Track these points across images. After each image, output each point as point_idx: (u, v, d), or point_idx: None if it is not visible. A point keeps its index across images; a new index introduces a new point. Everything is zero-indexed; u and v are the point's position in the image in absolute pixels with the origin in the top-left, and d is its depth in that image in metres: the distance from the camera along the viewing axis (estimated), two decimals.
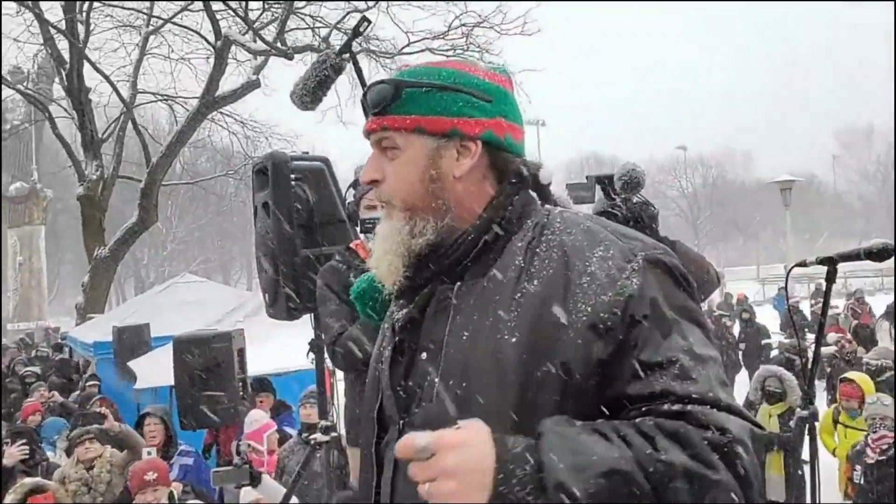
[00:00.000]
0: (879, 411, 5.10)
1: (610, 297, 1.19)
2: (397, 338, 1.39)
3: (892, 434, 4.99)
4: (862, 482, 5.04)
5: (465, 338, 1.27)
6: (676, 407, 1.14)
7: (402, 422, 1.33)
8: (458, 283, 1.32)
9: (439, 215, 1.33)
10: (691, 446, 1.10)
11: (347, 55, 3.24)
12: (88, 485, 5.13)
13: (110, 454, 5.34)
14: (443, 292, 1.34)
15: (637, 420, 1.14)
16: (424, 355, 1.32)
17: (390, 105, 1.33)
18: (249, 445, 4.90)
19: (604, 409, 1.19)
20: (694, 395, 1.14)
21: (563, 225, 1.31)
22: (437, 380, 1.27)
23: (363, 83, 3.52)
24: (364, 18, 3.36)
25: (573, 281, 1.22)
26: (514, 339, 1.22)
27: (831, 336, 10.11)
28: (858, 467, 5.06)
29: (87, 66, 15.11)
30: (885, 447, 4.97)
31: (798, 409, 3.07)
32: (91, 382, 8.87)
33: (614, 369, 1.18)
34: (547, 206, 1.39)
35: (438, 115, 1.31)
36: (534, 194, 1.40)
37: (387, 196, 1.36)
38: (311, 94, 3.13)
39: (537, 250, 1.28)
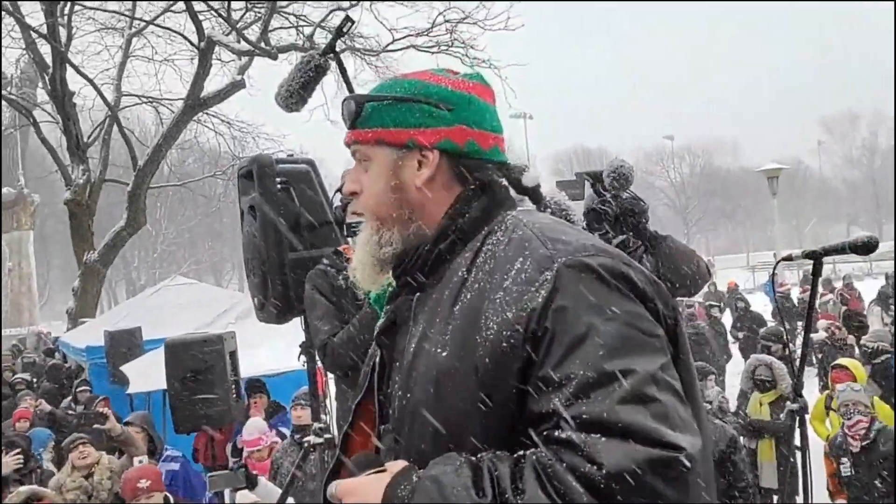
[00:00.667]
0: (850, 397, 5.06)
1: (514, 313, 1.16)
2: (376, 345, 1.44)
3: (867, 419, 4.96)
4: (852, 472, 5.01)
5: (412, 349, 1.29)
6: (565, 435, 1.08)
7: (381, 427, 1.38)
8: (418, 294, 1.35)
9: (404, 225, 1.36)
10: (556, 486, 1.05)
11: (331, 55, 3.23)
12: (88, 493, 5.10)
13: (108, 460, 5.31)
14: (405, 302, 1.38)
15: (525, 453, 1.12)
16: (397, 364, 1.35)
17: (356, 120, 1.38)
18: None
19: (525, 428, 1.16)
20: (584, 417, 1.08)
21: (502, 233, 1.29)
22: (399, 389, 1.31)
23: (347, 83, 3.52)
24: (347, 18, 3.35)
25: (489, 297, 1.21)
26: (444, 354, 1.23)
27: (821, 323, 10.16)
28: (845, 460, 5.00)
29: (70, 70, 15.01)
30: (862, 432, 4.95)
31: (788, 403, 3.09)
32: (81, 388, 8.82)
33: (523, 387, 1.15)
34: (510, 211, 1.36)
35: (397, 126, 1.34)
36: (513, 196, 1.41)
37: (361, 207, 1.41)
38: (295, 95, 3.11)
39: (478, 261, 1.28)
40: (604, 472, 1.04)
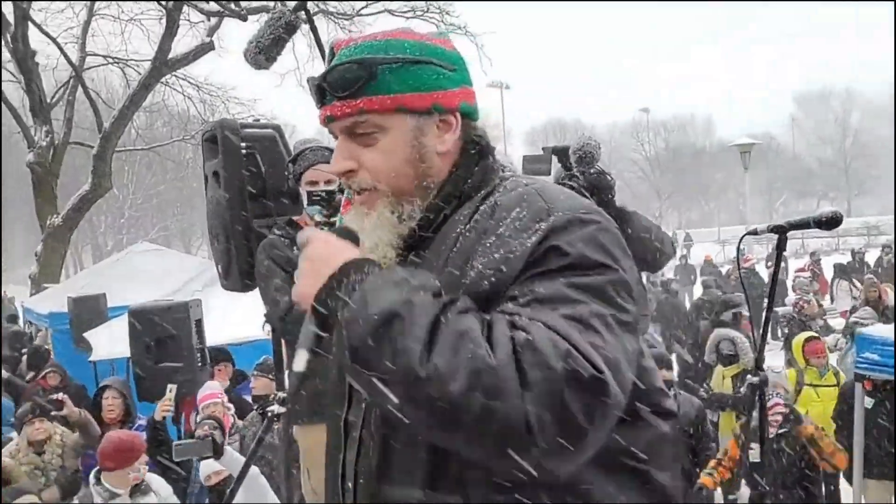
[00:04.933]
0: (771, 380, 4.88)
1: (501, 254, 1.16)
2: None
3: (783, 402, 4.80)
4: (759, 459, 4.69)
5: None
6: (508, 307, 1.12)
7: (347, 418, 1.34)
8: (409, 257, 1.29)
9: (425, 195, 1.30)
10: (490, 330, 1.07)
11: (303, 13, 3.12)
12: (40, 468, 5.05)
13: (61, 435, 5.22)
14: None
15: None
16: None
17: (364, 86, 1.26)
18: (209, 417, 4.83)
19: None
20: (530, 316, 1.09)
21: (503, 190, 1.27)
22: None
23: (319, 43, 3.40)
24: None
25: (482, 242, 1.20)
26: None
27: (789, 298, 10.28)
28: (755, 445, 4.43)
29: (32, 28, 14.58)
30: (779, 418, 4.73)
31: (749, 376, 3.11)
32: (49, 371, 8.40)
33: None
34: (504, 173, 1.34)
35: (417, 91, 1.27)
36: (495, 160, 1.36)
37: (369, 183, 1.30)
38: (264, 52, 3.01)
39: (475, 218, 1.25)
40: (528, 338, 1.05)
